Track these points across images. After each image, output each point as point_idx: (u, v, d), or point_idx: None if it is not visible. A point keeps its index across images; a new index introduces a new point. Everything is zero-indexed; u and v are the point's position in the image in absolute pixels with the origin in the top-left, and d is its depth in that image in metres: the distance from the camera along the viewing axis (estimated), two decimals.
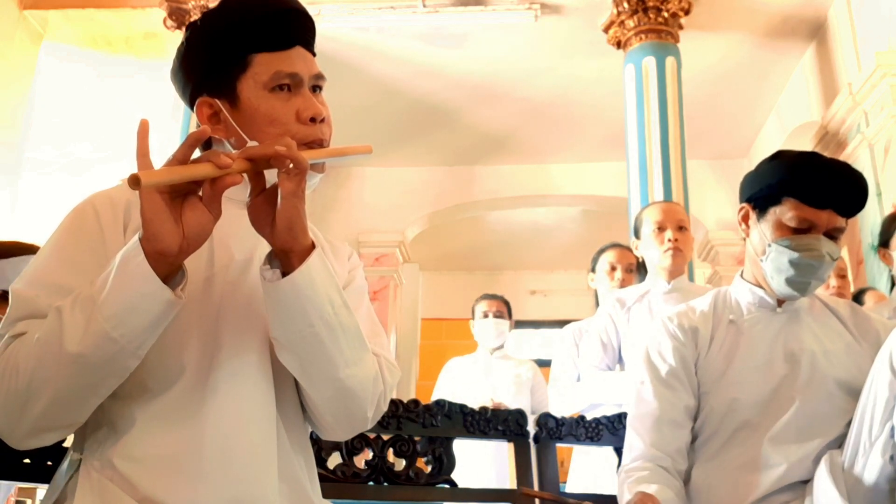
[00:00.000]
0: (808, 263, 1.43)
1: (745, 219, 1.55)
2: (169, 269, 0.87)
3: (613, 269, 2.86)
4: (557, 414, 1.74)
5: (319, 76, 1.07)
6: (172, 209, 0.85)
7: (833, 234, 1.45)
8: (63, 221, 1.00)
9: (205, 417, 0.92)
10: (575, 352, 2.73)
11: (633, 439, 1.49)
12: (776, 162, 1.51)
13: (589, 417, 1.73)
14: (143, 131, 0.85)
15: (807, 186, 1.43)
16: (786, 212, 1.45)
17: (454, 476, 1.52)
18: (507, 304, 3.72)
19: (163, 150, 0.84)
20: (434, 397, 3.62)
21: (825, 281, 1.49)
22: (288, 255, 0.91)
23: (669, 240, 2.40)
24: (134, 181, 0.77)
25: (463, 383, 3.58)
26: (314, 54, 1.09)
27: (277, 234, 0.90)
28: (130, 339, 0.86)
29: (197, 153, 0.87)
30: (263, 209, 0.91)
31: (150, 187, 0.81)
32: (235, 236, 1.01)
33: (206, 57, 1.04)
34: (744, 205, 1.56)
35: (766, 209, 1.49)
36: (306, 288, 0.91)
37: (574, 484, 2.64)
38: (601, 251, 2.96)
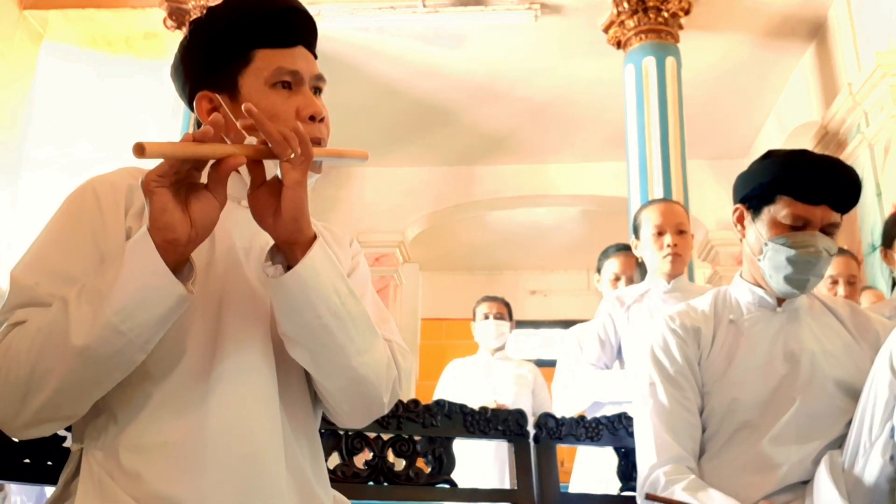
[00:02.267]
0: (806, 260, 1.43)
1: (741, 219, 1.56)
2: (178, 260, 0.87)
3: (618, 279, 2.87)
4: (560, 413, 1.74)
5: (320, 77, 1.07)
6: (178, 199, 0.85)
7: (829, 230, 1.45)
8: (62, 205, 0.99)
9: (208, 406, 0.91)
10: (579, 353, 2.74)
11: (656, 439, 1.45)
12: (768, 161, 1.51)
13: (590, 418, 1.73)
14: (217, 125, 0.86)
15: (799, 183, 1.44)
16: (780, 210, 1.45)
17: (454, 476, 1.52)
18: (507, 305, 3.73)
19: None
20: (435, 398, 3.63)
21: (823, 277, 1.50)
22: (291, 247, 0.91)
23: (668, 245, 2.40)
24: (139, 149, 0.77)
25: (464, 384, 3.59)
26: (315, 56, 1.09)
27: (282, 226, 0.90)
28: (139, 332, 0.85)
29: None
30: (265, 201, 0.91)
31: (155, 157, 0.80)
32: (234, 226, 1.01)
33: (209, 51, 1.05)
34: (738, 205, 1.56)
35: (760, 209, 1.49)
36: (311, 279, 0.91)
37: (578, 484, 2.64)
38: (607, 255, 2.96)
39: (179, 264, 0.87)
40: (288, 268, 0.91)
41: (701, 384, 1.50)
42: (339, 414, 1.04)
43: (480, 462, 3.21)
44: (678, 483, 1.39)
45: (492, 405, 3.19)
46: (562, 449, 1.69)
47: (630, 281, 2.85)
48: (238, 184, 1.00)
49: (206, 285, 0.96)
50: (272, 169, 0.91)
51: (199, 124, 1.07)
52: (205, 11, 1.08)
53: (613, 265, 2.91)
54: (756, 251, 1.51)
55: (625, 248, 2.94)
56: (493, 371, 3.61)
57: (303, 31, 1.07)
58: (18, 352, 0.86)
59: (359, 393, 1.00)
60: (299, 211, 0.89)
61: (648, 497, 1.37)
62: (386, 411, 1.05)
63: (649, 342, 1.57)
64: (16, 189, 4.98)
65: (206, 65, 1.05)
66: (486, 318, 3.65)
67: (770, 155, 1.53)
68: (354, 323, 0.96)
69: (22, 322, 0.89)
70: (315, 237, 0.93)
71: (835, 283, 2.99)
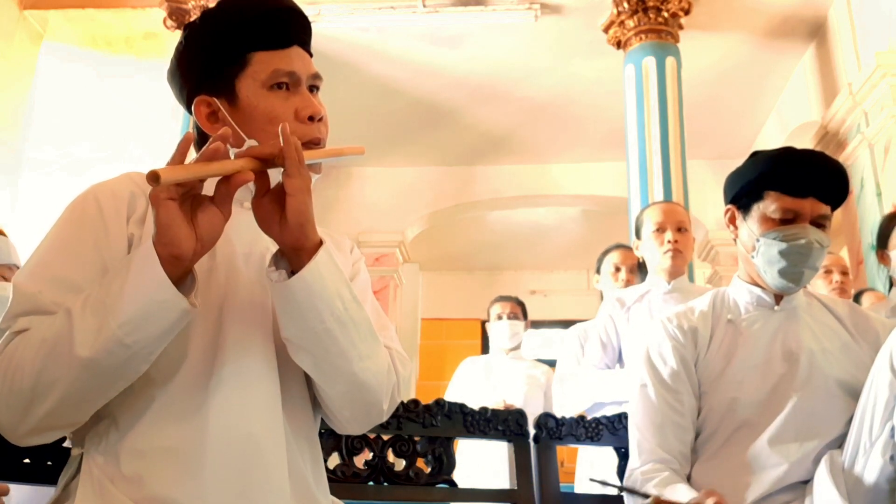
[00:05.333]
0: (798, 252, 1.44)
1: (732, 220, 1.57)
2: (181, 272, 0.87)
3: (618, 269, 2.88)
4: (560, 413, 1.74)
5: (317, 76, 1.07)
6: (185, 213, 0.85)
7: (819, 222, 1.46)
8: (64, 212, 0.99)
9: (209, 410, 0.92)
10: (580, 353, 2.74)
11: (641, 441, 1.48)
12: (753, 160, 1.54)
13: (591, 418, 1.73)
14: (186, 143, 0.85)
15: (785, 177, 1.46)
16: (769, 205, 1.47)
17: (454, 476, 1.52)
18: (521, 305, 3.72)
19: (163, 151, 0.84)
20: (447, 396, 3.62)
21: (818, 269, 1.50)
22: (298, 253, 0.91)
23: (669, 241, 2.41)
24: (153, 177, 0.78)
25: (476, 383, 3.59)
26: (311, 55, 1.09)
27: (288, 232, 0.90)
28: (144, 345, 0.86)
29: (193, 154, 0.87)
30: (270, 208, 0.91)
31: (170, 183, 0.81)
32: (235, 231, 1.01)
33: (205, 56, 1.04)
34: (729, 206, 1.58)
35: (749, 206, 1.51)
36: (316, 284, 0.91)
37: (582, 484, 2.64)
38: (605, 252, 2.98)
39: (182, 276, 0.88)
40: (292, 273, 0.91)
41: (698, 385, 1.50)
42: (338, 419, 1.04)
43: (492, 462, 3.20)
44: (652, 480, 1.41)
45: (500, 405, 3.19)
46: (562, 449, 1.69)
47: (630, 272, 2.85)
48: (243, 188, 1.00)
49: (208, 291, 0.96)
50: (276, 175, 0.91)
51: (197, 128, 1.07)
52: (200, 14, 1.08)
53: (613, 258, 2.92)
54: (749, 249, 1.52)
55: (622, 245, 2.98)
56: (504, 371, 3.60)
57: (297, 31, 1.07)
58: (22, 361, 0.86)
59: (360, 398, 1.00)
60: (304, 217, 0.89)
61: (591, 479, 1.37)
62: (385, 418, 1.06)
63: (646, 345, 1.57)
64: (16, 189, 4.98)
65: (203, 70, 1.05)
66: (500, 318, 3.64)
67: (755, 154, 1.55)
68: (357, 329, 0.96)
69: (25, 330, 0.89)
70: (321, 242, 0.93)
71: (828, 272, 3.04)
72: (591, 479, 1.36)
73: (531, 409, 3.13)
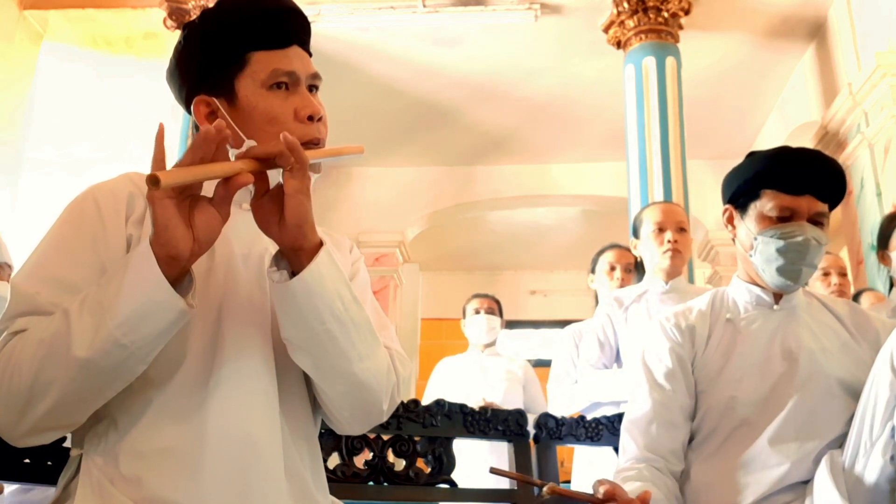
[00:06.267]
0: (795, 249, 1.44)
1: (730, 220, 1.58)
2: (178, 273, 0.87)
3: (612, 268, 2.88)
4: (558, 414, 1.74)
5: (316, 76, 1.07)
6: (182, 213, 0.85)
7: (817, 220, 1.46)
8: (62, 213, 0.99)
9: (208, 411, 0.92)
10: (575, 352, 2.74)
11: (627, 442, 1.49)
12: (749, 159, 1.55)
13: (589, 418, 1.73)
14: (161, 137, 0.85)
15: (781, 175, 1.46)
16: (766, 203, 1.47)
17: (454, 476, 1.52)
18: (497, 302, 3.72)
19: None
20: (425, 396, 3.61)
21: (817, 267, 1.51)
22: (297, 254, 0.91)
23: (669, 241, 2.41)
24: (153, 181, 0.77)
25: (455, 382, 3.58)
26: (310, 54, 1.09)
27: (287, 233, 0.90)
28: (141, 345, 0.86)
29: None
30: (269, 209, 0.91)
31: (170, 186, 0.81)
32: (234, 232, 1.01)
33: (204, 55, 1.04)
34: (726, 206, 1.58)
35: (747, 205, 1.51)
36: (316, 285, 0.91)
37: (577, 484, 2.64)
38: (600, 252, 2.98)
39: (180, 276, 0.87)
40: (292, 273, 0.91)
41: (694, 384, 1.50)
42: (338, 420, 1.04)
43: (482, 456, 3.19)
44: (619, 477, 1.40)
45: (481, 402, 3.18)
46: (562, 449, 1.69)
47: (625, 271, 2.85)
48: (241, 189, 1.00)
49: (206, 292, 0.96)
50: (275, 176, 0.91)
51: (197, 128, 1.07)
52: (199, 14, 1.08)
53: (608, 257, 2.92)
54: (747, 247, 1.52)
55: (617, 245, 2.97)
56: (483, 368, 3.59)
57: (296, 31, 1.07)
58: (20, 362, 0.86)
59: (359, 398, 1.00)
60: (303, 218, 0.89)
61: (492, 471, 1.31)
62: (385, 419, 1.06)
63: (643, 345, 1.58)
64: (16, 189, 4.98)
65: (202, 69, 1.05)
66: (477, 312, 3.64)
67: (752, 154, 1.56)
68: (357, 329, 0.96)
69: (23, 331, 0.89)
70: (321, 243, 0.93)
71: (826, 274, 3.04)
72: (492, 470, 1.26)
73: (511, 405, 3.12)
